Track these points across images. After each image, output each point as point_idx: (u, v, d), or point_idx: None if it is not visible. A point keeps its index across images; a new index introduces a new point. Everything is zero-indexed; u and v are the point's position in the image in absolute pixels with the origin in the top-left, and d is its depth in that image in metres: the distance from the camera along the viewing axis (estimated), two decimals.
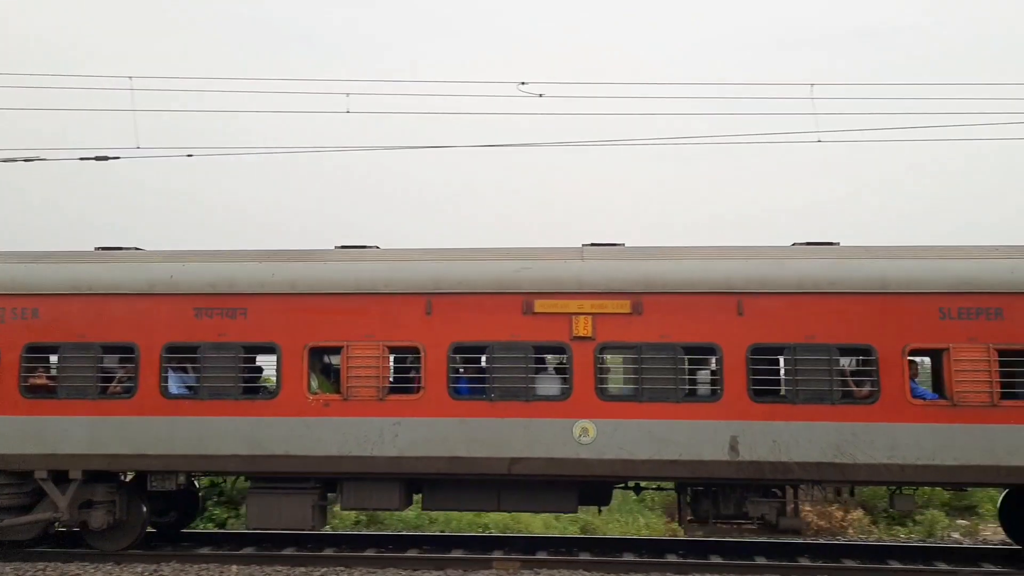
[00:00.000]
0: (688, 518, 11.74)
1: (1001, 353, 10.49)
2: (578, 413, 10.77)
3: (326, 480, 11.46)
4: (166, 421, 11.22)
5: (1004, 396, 10.44)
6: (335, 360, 11.58)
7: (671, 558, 11.79)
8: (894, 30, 52.17)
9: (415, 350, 11.10)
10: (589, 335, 10.85)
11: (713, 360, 10.82)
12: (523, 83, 14.09)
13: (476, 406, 10.94)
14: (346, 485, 11.32)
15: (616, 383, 11.18)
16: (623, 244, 11.98)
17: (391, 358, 11.32)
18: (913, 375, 10.78)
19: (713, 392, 10.75)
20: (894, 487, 11.33)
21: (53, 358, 11.79)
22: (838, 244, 11.77)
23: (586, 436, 10.73)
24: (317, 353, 11.42)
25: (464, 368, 11.21)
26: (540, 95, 14.37)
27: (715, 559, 11.66)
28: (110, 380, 11.47)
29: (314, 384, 11.30)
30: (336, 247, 12.26)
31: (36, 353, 11.61)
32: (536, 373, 11.00)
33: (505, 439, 10.81)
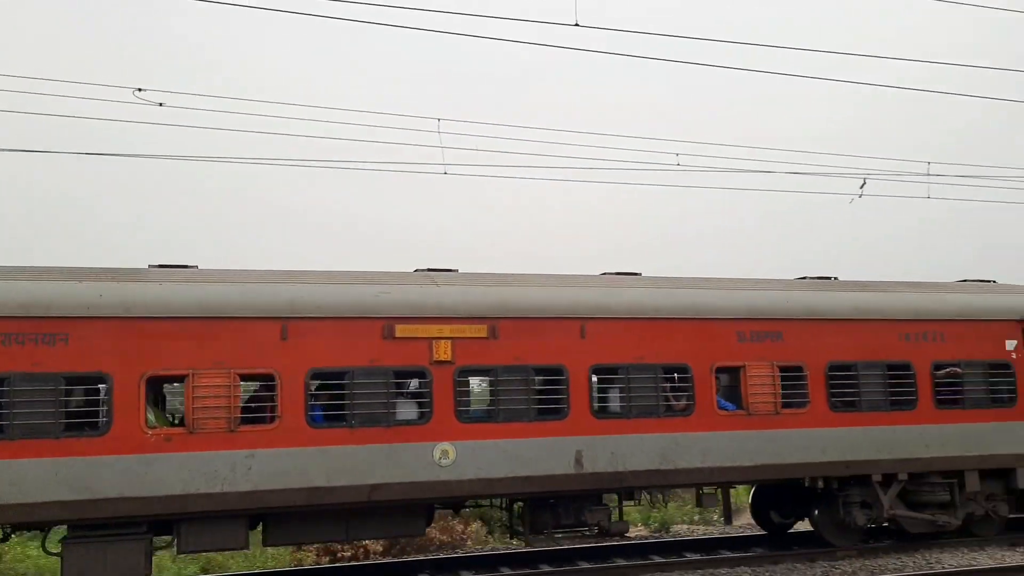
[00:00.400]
0: (519, 529, 12.47)
1: (782, 369, 12.59)
2: (438, 436, 10.98)
3: (158, 523, 10.41)
4: None
5: (784, 405, 12.53)
6: (175, 389, 10.59)
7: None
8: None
9: (270, 377, 10.54)
10: (449, 359, 11.11)
11: (560, 380, 11.63)
12: (140, 89, 13.14)
13: (336, 434, 10.66)
14: (184, 527, 10.38)
15: (474, 405, 11.53)
16: (456, 270, 12.39)
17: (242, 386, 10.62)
18: (718, 390, 12.50)
19: (560, 410, 11.55)
20: (703, 487, 13.02)
21: None
22: (640, 274, 13.28)
23: (446, 458, 10.97)
24: (154, 383, 10.35)
25: (323, 395, 10.86)
26: (160, 104, 13.39)
27: (544, 567, 12.52)
28: None
29: (151, 417, 10.23)
30: (150, 266, 11.23)
31: None
32: (396, 398, 11.01)
33: (366, 466, 10.68)
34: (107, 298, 10.10)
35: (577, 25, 11.18)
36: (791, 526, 15.04)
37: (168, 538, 10.75)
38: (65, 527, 10.28)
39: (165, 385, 10.73)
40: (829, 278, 14.05)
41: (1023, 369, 13.82)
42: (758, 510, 15.22)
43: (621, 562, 12.86)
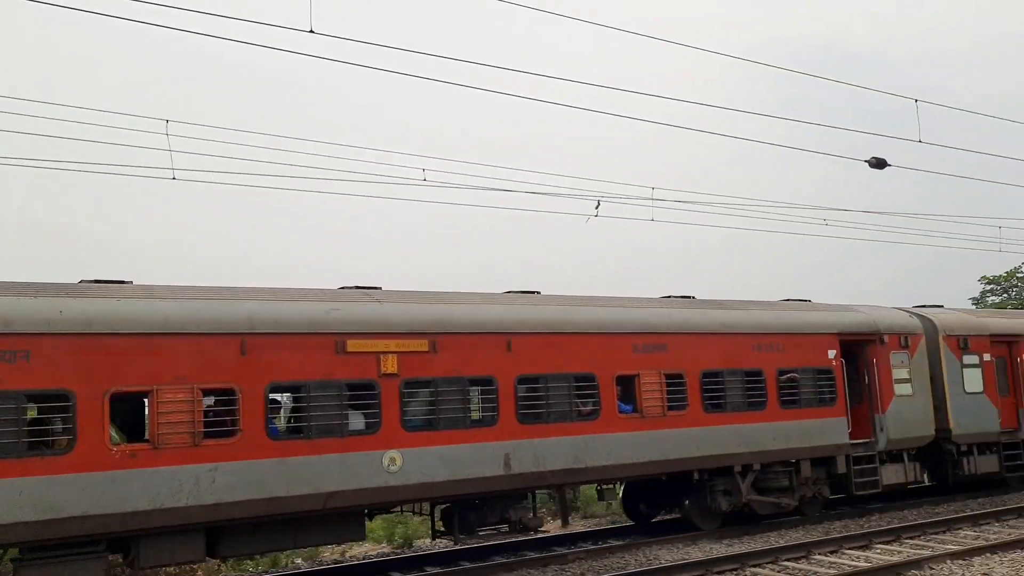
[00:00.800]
0: (440, 530, 13.45)
1: (667, 377, 14.49)
2: (387, 444, 11.74)
3: (114, 541, 10.35)
4: None
5: (669, 408, 14.43)
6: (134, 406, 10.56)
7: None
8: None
9: (231, 391, 10.81)
10: (395, 372, 11.90)
11: (491, 390, 12.75)
12: None
13: (294, 445, 11.13)
14: (143, 542, 10.40)
15: (417, 415, 12.33)
16: (380, 287, 13.17)
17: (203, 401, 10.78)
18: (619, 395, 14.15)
19: (492, 418, 12.67)
20: (604, 483, 14.61)
21: None
22: (539, 292, 14.72)
23: (394, 465, 11.75)
24: (117, 400, 10.29)
25: (282, 408, 11.26)
26: None
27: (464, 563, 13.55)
28: None
29: (115, 434, 10.18)
30: (82, 281, 11.12)
31: None
32: (349, 409, 11.63)
33: (322, 475, 11.23)
34: (67, 314, 9.98)
35: (312, 32, 10.58)
36: (655, 516, 17.07)
37: (118, 556, 10.68)
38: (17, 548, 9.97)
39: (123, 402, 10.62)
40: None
41: (841, 374, 16.75)
42: (627, 504, 17.11)
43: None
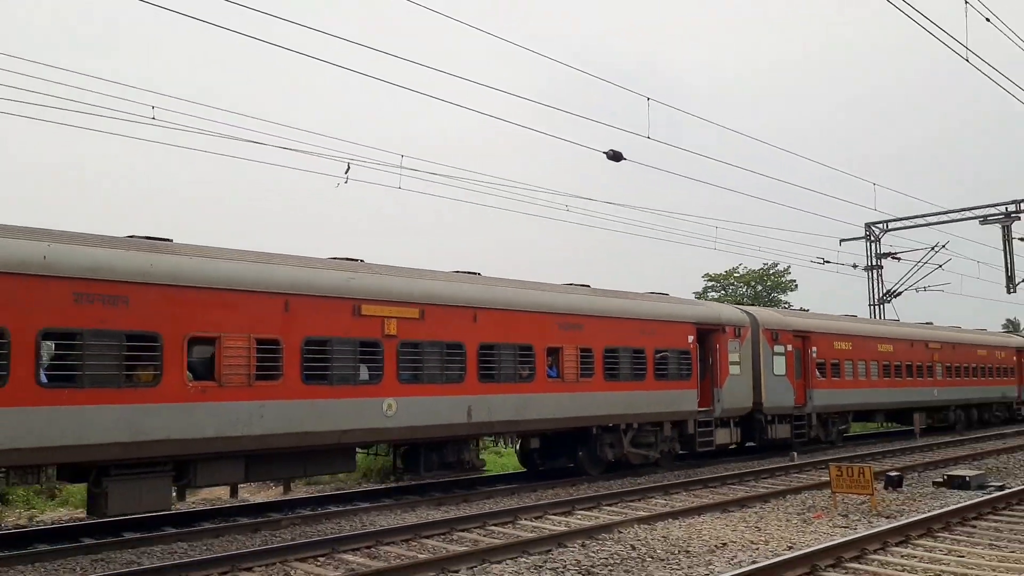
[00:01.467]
0: (399, 468, 16.07)
1: (581, 351, 17.87)
2: (386, 393, 14.20)
3: (178, 462, 12.13)
4: (43, 411, 10.44)
5: (581, 375, 17.83)
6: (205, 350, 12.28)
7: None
8: None
9: (276, 342, 12.83)
10: (395, 334, 14.37)
11: (461, 354, 15.48)
12: None
13: (320, 390, 13.34)
14: (200, 465, 12.26)
15: (408, 370, 14.79)
16: (362, 259, 15.47)
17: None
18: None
19: (461, 376, 15.43)
20: (535, 434, 17.78)
21: None
22: (479, 273, 17.61)
23: (391, 410, 14.25)
24: (192, 343, 12.02)
25: (313, 358, 13.36)
26: None
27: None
28: None
29: (188, 373, 11.94)
30: (128, 236, 12.65)
31: None
32: (360, 363, 13.95)
33: (340, 415, 13.54)
34: (157, 267, 11.62)
35: None
36: (546, 466, 20.46)
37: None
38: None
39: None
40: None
41: (695, 355, 21.01)
42: (523, 456, 20.34)
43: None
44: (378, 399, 14.11)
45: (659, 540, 11.70)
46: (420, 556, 10.74)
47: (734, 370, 22.16)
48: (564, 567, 10.12)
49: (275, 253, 13.60)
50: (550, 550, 11.08)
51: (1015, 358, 38.61)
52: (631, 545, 11.33)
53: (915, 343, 31.38)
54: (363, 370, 14.07)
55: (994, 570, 9.67)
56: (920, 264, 38.37)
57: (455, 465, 16.19)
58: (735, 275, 53.84)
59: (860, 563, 10.04)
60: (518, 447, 19.98)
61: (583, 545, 11.40)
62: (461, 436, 15.78)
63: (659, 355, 19.88)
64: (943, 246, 37.69)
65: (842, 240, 39.43)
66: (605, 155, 18.37)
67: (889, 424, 32.95)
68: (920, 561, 10.15)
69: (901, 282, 39.34)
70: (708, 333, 21.64)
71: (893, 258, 39.09)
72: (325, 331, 13.49)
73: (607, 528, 12.44)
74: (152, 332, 11.52)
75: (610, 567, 10.14)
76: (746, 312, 23.63)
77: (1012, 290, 36.36)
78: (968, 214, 36.68)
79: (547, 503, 14.87)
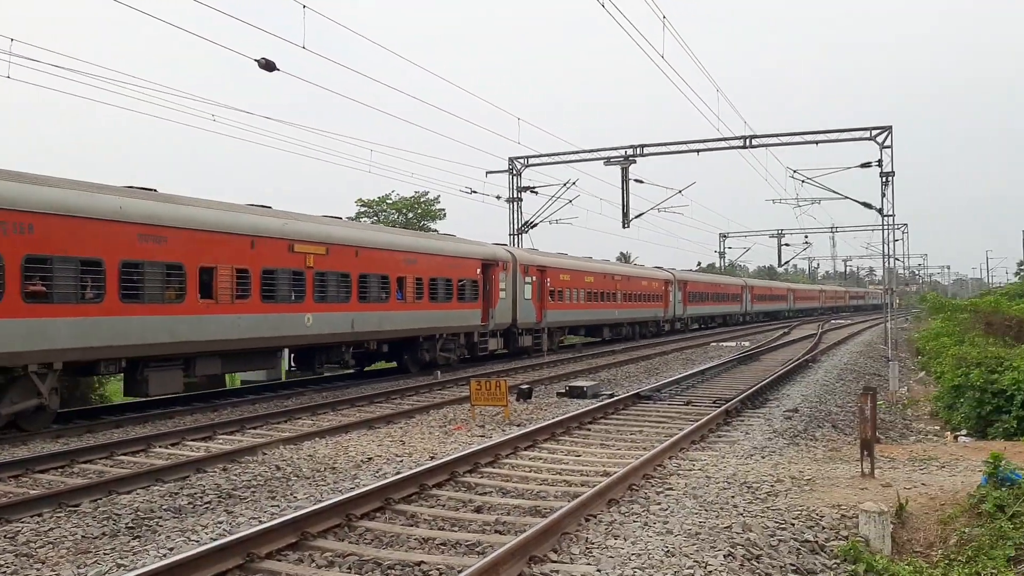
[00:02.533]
0: (293, 367, 21.22)
1: (416, 279, 23.90)
2: (307, 309, 19.32)
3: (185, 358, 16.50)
4: (121, 320, 14.52)
5: (417, 298, 23.90)
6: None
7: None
8: None
9: (246, 271, 17.46)
10: (312, 265, 19.43)
11: (348, 281, 20.83)
12: None
13: (271, 306, 18.19)
14: (199, 360, 16.73)
15: (319, 293, 19.84)
16: (271, 207, 20.16)
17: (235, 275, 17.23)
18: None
19: (348, 297, 20.82)
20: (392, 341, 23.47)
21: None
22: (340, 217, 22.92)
23: (309, 322, 19.40)
24: (200, 271, 16.33)
25: (267, 283, 18.07)
26: None
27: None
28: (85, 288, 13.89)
29: (198, 293, 16.30)
30: (125, 187, 16.43)
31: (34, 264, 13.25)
32: (292, 286, 18.89)
33: (283, 325, 18.50)
34: (179, 215, 15.83)
35: None
36: (368, 366, 26.20)
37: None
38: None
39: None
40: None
41: (481, 284, 27.91)
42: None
43: None
44: (301, 314, 19.20)
45: (305, 459, 11.67)
46: (32, 492, 9.84)
47: (502, 295, 29.45)
48: (203, 492, 9.81)
49: (241, 204, 18.01)
50: (187, 476, 10.63)
51: (664, 288, 50.61)
52: (276, 466, 11.22)
53: (606, 276, 41.13)
54: (293, 292, 19.05)
55: (603, 465, 10.97)
56: (554, 198, 41.28)
57: (339, 363, 21.65)
58: (387, 201, 55.99)
59: (493, 467, 10.90)
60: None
61: (224, 469, 11.06)
62: (348, 341, 21.24)
63: (460, 283, 26.45)
64: (574, 183, 41.14)
65: (488, 172, 41.57)
66: (257, 63, 17.62)
67: (584, 336, 42.67)
68: (544, 462, 11.34)
69: (537, 214, 42.04)
70: (488, 267, 28.60)
71: (532, 192, 42.03)
72: (274, 263, 18.29)
73: (251, 451, 12.14)
74: (180, 263, 15.78)
75: (253, 488, 9.98)
76: (510, 251, 31.04)
77: (627, 225, 40.48)
78: (596, 155, 40.02)
79: (185, 429, 14.27)
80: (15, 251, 12.93)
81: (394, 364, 26.52)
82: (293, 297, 19.02)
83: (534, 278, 32.50)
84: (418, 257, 24.09)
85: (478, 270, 27.83)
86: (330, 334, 20.31)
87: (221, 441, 13.62)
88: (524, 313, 31.29)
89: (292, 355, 21.34)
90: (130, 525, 8.38)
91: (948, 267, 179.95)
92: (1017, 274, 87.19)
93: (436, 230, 54.08)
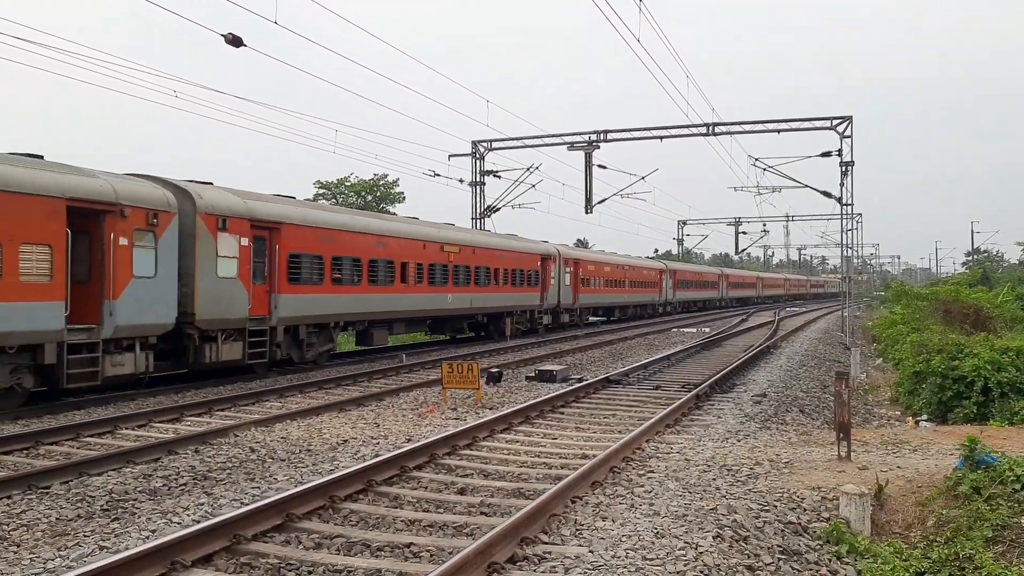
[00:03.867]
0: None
1: (387, 262, 23.74)
2: (448, 291, 20.23)
3: None
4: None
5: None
6: None
7: None
8: None
9: (421, 264, 17.73)
10: (452, 260, 20.47)
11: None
12: None
13: (432, 289, 19.57)
14: (394, 324, 16.84)
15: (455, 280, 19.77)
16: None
17: None
18: None
19: (467, 282, 21.12)
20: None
21: None
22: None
23: (450, 300, 20.71)
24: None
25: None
26: None
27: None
28: None
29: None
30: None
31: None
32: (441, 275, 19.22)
33: (436, 302, 22.24)
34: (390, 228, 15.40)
35: None
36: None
37: None
38: None
39: None
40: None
41: (540, 274, 27.81)
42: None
43: None
44: (445, 294, 21.47)
45: (279, 441, 11.54)
46: None
47: (552, 282, 35.65)
48: (177, 473, 9.63)
49: (415, 219, 19.46)
50: (159, 458, 10.43)
51: (659, 276, 54.75)
52: (250, 447, 11.06)
53: (618, 267, 46.98)
54: (442, 279, 20.36)
55: (581, 448, 11.02)
56: (517, 183, 41.07)
57: (459, 330, 24.52)
58: (347, 184, 55.46)
59: (472, 450, 10.90)
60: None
61: (196, 451, 10.88)
62: (468, 314, 24.42)
63: (529, 273, 33.42)
64: (537, 167, 41.05)
65: (451, 156, 41.23)
66: (224, 38, 17.04)
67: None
68: (522, 445, 11.30)
69: (500, 198, 41.68)
70: (544, 260, 34.56)
71: (495, 176, 41.77)
72: (434, 259, 24.69)
73: (222, 432, 11.94)
74: (392, 260, 15.42)
75: (228, 470, 9.83)
76: (556, 248, 37.52)
77: (589, 211, 40.13)
78: (560, 140, 39.84)
79: (151, 411, 13.88)
80: (328, 254, 20.59)
81: (471, 334, 31.99)
82: (442, 282, 25.44)
83: (571, 269, 38.41)
84: (506, 254, 30.38)
85: (538, 263, 34.22)
86: (458, 308, 27.22)
87: (190, 423, 13.38)
88: (564, 297, 37.48)
89: (429, 323, 27.58)
90: (105, 507, 8.19)
91: (898, 256, 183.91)
92: (964, 264, 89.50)
93: (395, 213, 53.89)
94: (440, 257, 25.33)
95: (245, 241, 18.06)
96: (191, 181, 17.66)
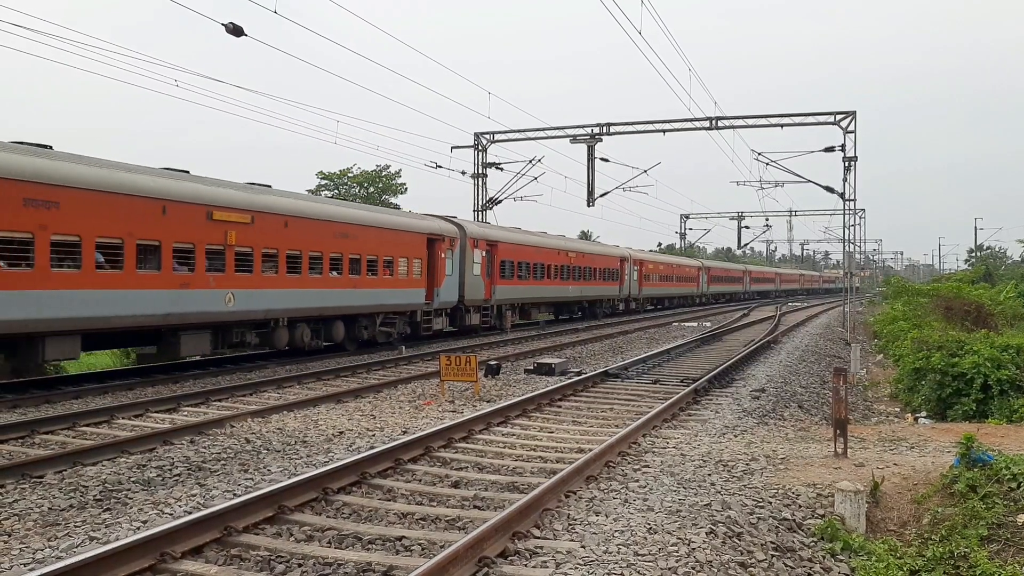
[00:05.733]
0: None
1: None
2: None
3: None
4: None
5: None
6: None
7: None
8: None
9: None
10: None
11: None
12: None
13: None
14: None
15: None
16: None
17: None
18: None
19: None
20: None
21: None
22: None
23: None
24: None
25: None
26: None
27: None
28: None
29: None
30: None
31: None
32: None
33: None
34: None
35: None
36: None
37: None
38: None
39: None
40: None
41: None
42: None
43: None
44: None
45: (274, 433, 11.50)
46: None
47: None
48: (172, 464, 9.59)
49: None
50: (154, 448, 10.43)
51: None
52: (245, 439, 11.03)
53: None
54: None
55: (577, 442, 10.96)
56: (519, 175, 41.09)
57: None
58: (349, 175, 55.42)
59: (467, 443, 10.83)
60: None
61: (192, 441, 10.86)
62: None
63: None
64: (539, 159, 40.94)
65: (453, 147, 41.13)
66: (225, 28, 17.02)
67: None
68: (518, 438, 11.25)
69: (502, 191, 41.76)
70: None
71: (497, 168, 41.62)
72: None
73: (218, 423, 11.94)
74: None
75: (223, 461, 9.78)
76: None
77: (591, 204, 40.56)
78: (562, 132, 39.98)
79: (148, 400, 13.90)
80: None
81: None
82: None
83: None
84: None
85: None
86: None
87: (186, 413, 13.38)
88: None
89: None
90: (98, 497, 8.17)
91: (901, 252, 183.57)
92: (967, 261, 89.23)
93: (397, 205, 53.87)
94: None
95: (485, 253, 30.53)
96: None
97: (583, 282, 42.06)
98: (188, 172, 18.17)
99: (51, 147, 14.92)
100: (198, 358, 20.07)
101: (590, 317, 44.28)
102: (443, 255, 27.70)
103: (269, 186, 20.68)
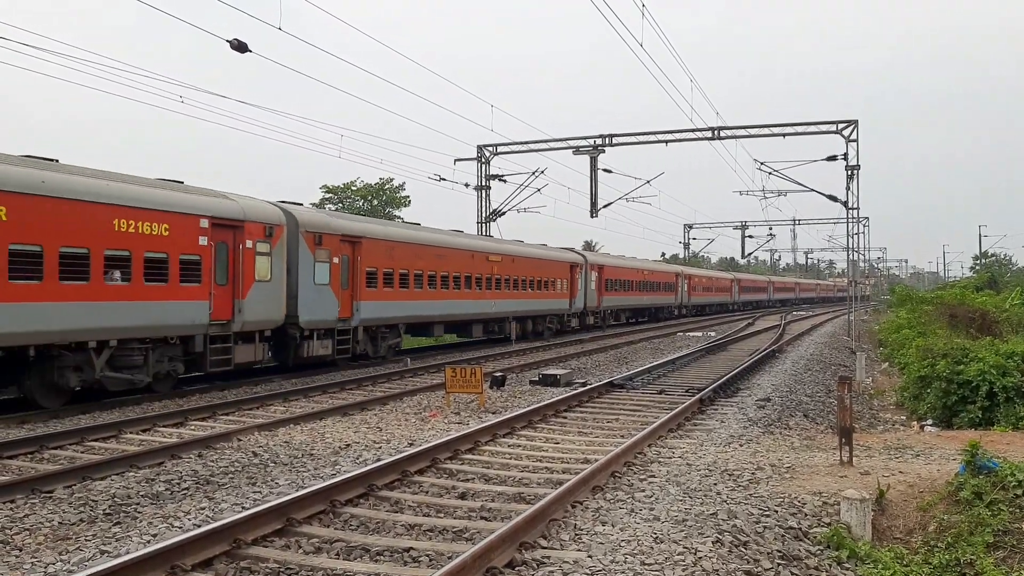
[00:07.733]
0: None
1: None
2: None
3: None
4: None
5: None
6: None
7: None
8: None
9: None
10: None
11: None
12: None
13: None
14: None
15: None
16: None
17: None
18: None
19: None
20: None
21: None
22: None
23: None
24: None
25: None
26: None
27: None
28: None
29: None
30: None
31: None
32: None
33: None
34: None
35: None
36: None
37: None
38: None
39: None
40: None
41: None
42: None
43: None
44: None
45: (281, 446, 11.55)
46: (3, 478, 9.56)
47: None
48: (180, 478, 9.62)
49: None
50: (162, 462, 10.48)
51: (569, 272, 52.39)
52: (252, 452, 11.07)
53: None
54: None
55: (583, 453, 11.04)
56: (523, 187, 41.06)
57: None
58: (352, 188, 56.04)
59: (474, 454, 10.86)
60: None
61: (200, 455, 10.90)
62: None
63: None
64: (543, 171, 41.02)
65: (457, 160, 41.24)
66: (229, 44, 17.19)
67: None
68: (524, 449, 11.35)
69: (506, 202, 41.73)
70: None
71: (500, 180, 41.77)
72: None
73: (225, 437, 11.99)
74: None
75: (231, 475, 9.81)
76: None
77: (595, 215, 40.43)
78: (565, 144, 40.20)
79: (155, 415, 14.00)
80: None
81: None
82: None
83: (687, 281, 47.99)
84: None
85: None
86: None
87: (193, 427, 13.43)
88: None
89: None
90: (108, 511, 8.22)
91: (906, 260, 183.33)
92: (972, 268, 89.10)
93: (401, 218, 54.13)
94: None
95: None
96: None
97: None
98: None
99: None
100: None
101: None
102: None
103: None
